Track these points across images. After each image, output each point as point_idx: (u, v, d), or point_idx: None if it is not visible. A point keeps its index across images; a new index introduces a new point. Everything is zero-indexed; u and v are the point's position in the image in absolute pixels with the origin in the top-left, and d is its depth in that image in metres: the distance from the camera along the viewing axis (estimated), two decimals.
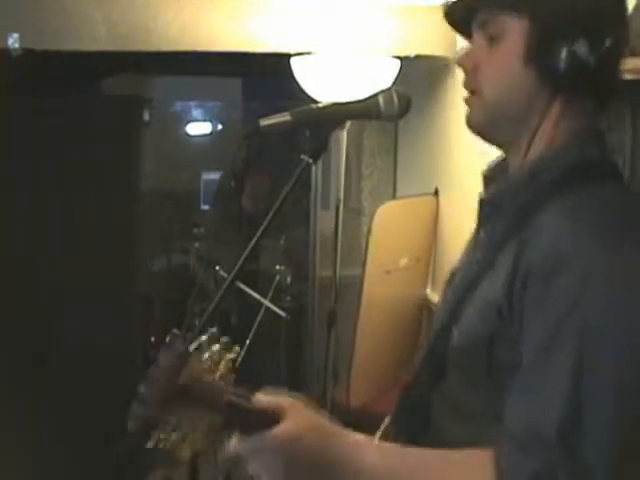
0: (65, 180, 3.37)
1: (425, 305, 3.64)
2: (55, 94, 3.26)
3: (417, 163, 3.90)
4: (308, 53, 3.00)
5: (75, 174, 3.40)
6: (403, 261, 3.48)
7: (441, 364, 1.31)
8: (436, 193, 3.58)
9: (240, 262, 1.37)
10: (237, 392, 1.19)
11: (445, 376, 1.31)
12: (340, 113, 1.46)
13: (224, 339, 1.26)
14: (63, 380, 3.28)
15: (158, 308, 4.94)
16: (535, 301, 1.14)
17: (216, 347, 1.24)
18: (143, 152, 3.85)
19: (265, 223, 1.37)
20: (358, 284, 3.23)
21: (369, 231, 3.23)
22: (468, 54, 1.35)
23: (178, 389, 1.14)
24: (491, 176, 1.43)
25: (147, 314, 4.59)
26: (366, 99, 1.43)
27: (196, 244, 4.98)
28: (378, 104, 1.42)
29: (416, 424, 1.35)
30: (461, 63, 1.35)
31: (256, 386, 1.24)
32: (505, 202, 1.30)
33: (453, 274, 1.48)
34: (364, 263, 3.22)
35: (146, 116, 3.73)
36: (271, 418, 1.16)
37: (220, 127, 6.57)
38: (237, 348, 1.28)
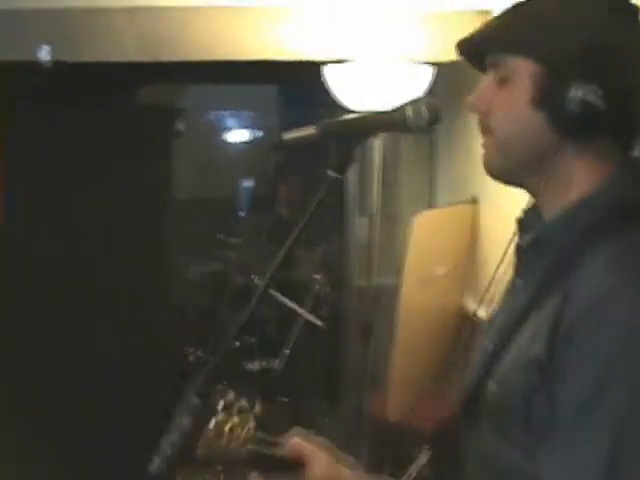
0: (99, 190, 3.38)
1: (463, 314, 3.58)
2: (88, 105, 3.27)
3: (454, 171, 3.85)
4: (342, 61, 2.97)
5: (109, 184, 3.42)
6: (440, 270, 3.42)
7: (476, 414, 1.27)
8: (474, 201, 3.53)
9: (272, 270, 1.34)
10: (261, 438, 1.23)
11: (479, 426, 1.27)
12: (366, 126, 1.42)
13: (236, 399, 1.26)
14: (97, 388, 3.28)
15: (193, 317, 4.94)
16: (576, 357, 1.11)
17: (230, 397, 1.24)
18: (178, 161, 3.86)
19: (294, 235, 1.34)
20: (395, 293, 3.19)
21: (406, 239, 3.18)
22: (479, 95, 1.30)
23: (197, 459, 1.18)
24: (526, 222, 1.38)
25: (182, 323, 4.59)
26: (393, 111, 1.39)
27: (232, 252, 4.97)
28: (405, 116, 1.37)
29: (449, 469, 1.33)
30: (473, 105, 1.31)
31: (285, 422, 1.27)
32: (543, 249, 1.26)
33: (491, 321, 1.43)
34: (401, 272, 3.18)
35: (180, 126, 3.74)
36: (293, 463, 1.22)
37: (255, 135, 6.58)
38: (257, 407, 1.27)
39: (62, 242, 3.35)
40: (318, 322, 3.68)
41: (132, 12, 2.89)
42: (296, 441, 1.25)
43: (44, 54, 2.73)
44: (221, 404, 1.22)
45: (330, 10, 2.91)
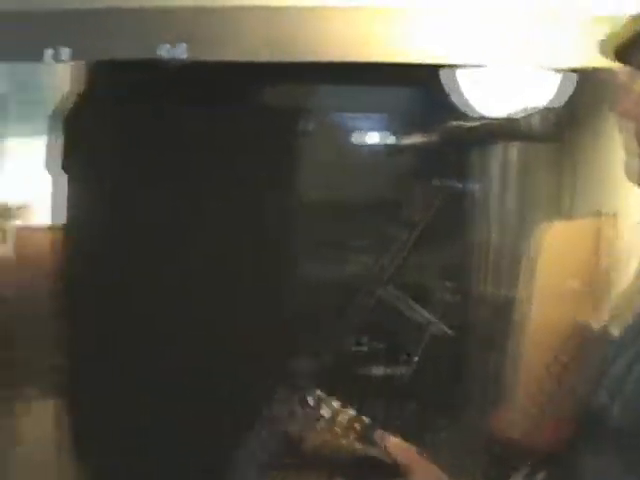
0: (224, 191, 3.42)
1: (591, 331, 3.44)
2: (213, 105, 3.32)
3: (591, 182, 3.70)
4: (474, 65, 2.90)
5: (234, 185, 3.45)
6: (572, 283, 3.30)
7: (598, 436, 1.19)
8: (611, 215, 3.39)
9: (396, 275, 1.32)
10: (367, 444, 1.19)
11: (601, 449, 1.19)
12: (488, 134, 1.36)
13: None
14: (209, 391, 3.32)
15: (315, 320, 4.94)
16: None
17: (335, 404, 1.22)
18: (304, 163, 3.86)
19: (414, 240, 1.31)
20: (522, 305, 3.10)
21: (537, 250, 3.09)
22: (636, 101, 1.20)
23: (300, 464, 1.18)
24: None
25: (301, 327, 4.59)
26: (518, 119, 1.33)
27: (358, 256, 4.94)
28: (531, 124, 1.30)
29: None
30: (625, 112, 1.20)
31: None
32: None
33: (621, 339, 1.35)
34: (530, 283, 3.09)
35: (307, 126, 3.74)
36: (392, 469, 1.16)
37: (383, 137, 6.53)
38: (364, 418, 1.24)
39: (185, 243, 3.42)
40: (447, 330, 3.63)
41: (264, 12, 2.91)
42: (406, 447, 1.20)
43: (173, 53, 2.78)
44: (325, 409, 1.20)
45: (463, 13, 2.86)
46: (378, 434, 1.19)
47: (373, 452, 1.17)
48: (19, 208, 5.14)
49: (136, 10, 2.85)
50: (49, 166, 4.12)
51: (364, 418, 1.23)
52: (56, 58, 2.88)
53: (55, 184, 4.09)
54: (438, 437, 3.94)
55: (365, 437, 1.19)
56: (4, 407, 3.98)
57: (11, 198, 5.28)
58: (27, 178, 5.35)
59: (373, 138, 6.55)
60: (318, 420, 1.18)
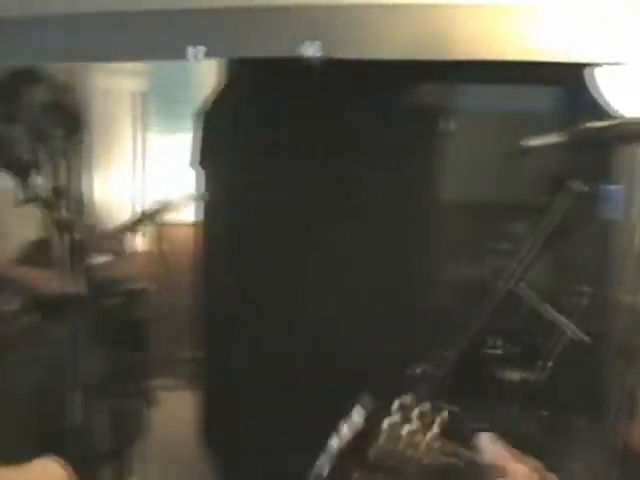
0: (362, 191, 3.43)
1: None
2: (353, 104, 3.32)
3: None
4: (613, 64, 2.81)
5: (374, 184, 3.45)
6: None
7: None
8: None
9: (525, 278, 1.30)
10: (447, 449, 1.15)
11: None
12: (626, 134, 1.31)
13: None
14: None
15: (450, 322, 4.88)
16: None
17: (425, 408, 1.18)
18: (446, 163, 3.82)
19: (546, 244, 1.28)
20: None
21: None
22: None
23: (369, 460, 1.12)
24: None
25: (438, 327, 4.55)
26: None
27: (493, 258, 4.84)
28: None
29: None
30: None
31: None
32: None
33: None
34: None
35: (450, 126, 3.70)
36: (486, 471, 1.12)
37: (522, 138, 6.39)
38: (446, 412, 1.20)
39: (323, 239, 3.44)
40: (584, 337, 3.52)
41: (403, 10, 2.89)
42: (505, 452, 1.15)
43: (312, 50, 2.80)
44: (396, 404, 1.17)
45: (600, 10, 2.77)
46: (484, 438, 1.15)
47: (475, 457, 1.14)
48: (163, 204, 5.31)
49: (274, 8, 2.89)
50: (192, 163, 4.22)
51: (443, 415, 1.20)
52: (196, 56, 2.95)
53: (198, 180, 4.20)
54: (570, 445, 3.83)
55: (466, 442, 1.16)
56: (143, 396, 4.10)
57: (156, 194, 5.46)
58: (170, 175, 5.52)
59: (512, 138, 6.43)
60: (388, 414, 1.15)
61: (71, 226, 2.61)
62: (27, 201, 2.60)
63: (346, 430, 1.13)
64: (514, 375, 4.16)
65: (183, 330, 5.49)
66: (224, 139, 3.95)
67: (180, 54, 3.01)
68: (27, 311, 3.25)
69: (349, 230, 3.48)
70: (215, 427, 4.15)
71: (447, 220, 4.17)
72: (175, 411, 4.62)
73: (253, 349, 3.75)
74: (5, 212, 3.10)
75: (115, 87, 5.21)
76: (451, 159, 3.75)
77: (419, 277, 3.74)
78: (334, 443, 1.13)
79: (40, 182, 1.94)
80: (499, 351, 4.18)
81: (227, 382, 3.99)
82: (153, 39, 3.13)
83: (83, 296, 2.16)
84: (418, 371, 3.83)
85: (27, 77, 3.15)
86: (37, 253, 3.15)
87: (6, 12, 3.15)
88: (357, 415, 1.14)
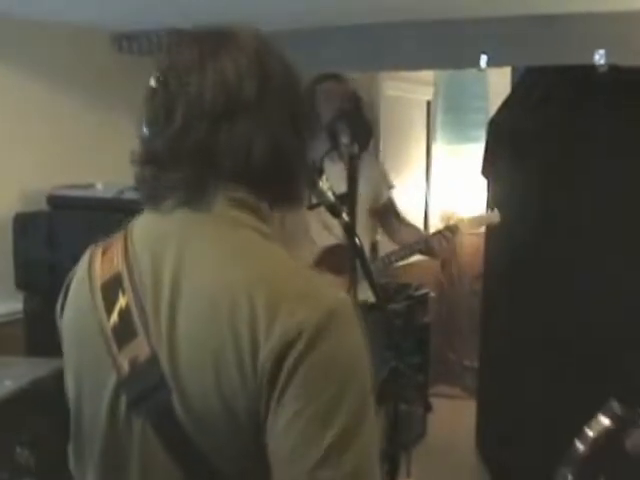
0: None
1: None
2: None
3: None
4: None
5: None
6: None
7: None
8: None
9: None
10: None
11: None
12: None
13: None
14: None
15: None
16: None
17: None
18: None
19: None
20: None
21: None
22: None
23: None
24: None
25: None
26: None
27: None
28: None
29: None
30: None
31: None
32: None
33: None
34: None
35: None
36: None
37: None
38: None
39: (607, 247, 3.35)
40: None
41: None
42: None
43: (599, 58, 2.71)
44: None
45: None
46: None
47: None
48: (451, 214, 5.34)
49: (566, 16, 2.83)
50: (484, 171, 4.21)
51: None
52: (486, 64, 2.93)
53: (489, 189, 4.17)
54: None
55: None
56: (421, 402, 4.14)
57: (446, 204, 5.50)
58: (458, 184, 5.53)
59: None
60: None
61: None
62: (315, 206, 2.72)
63: (593, 433, 1.11)
64: None
65: (459, 338, 5.50)
66: (507, 149, 3.91)
67: (473, 62, 3.01)
68: None
69: (631, 236, 3.36)
70: (489, 441, 4.11)
71: None
72: (452, 418, 4.63)
73: (532, 362, 3.68)
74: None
75: (405, 95, 5.29)
76: None
77: None
78: (580, 446, 1.11)
79: (327, 187, 2.03)
80: None
81: (501, 394, 3.94)
82: (443, 47, 3.15)
83: (372, 302, 2.21)
84: None
85: (324, 83, 3.27)
86: (330, 258, 3.24)
87: (311, 23, 3.29)
88: (604, 418, 1.12)
